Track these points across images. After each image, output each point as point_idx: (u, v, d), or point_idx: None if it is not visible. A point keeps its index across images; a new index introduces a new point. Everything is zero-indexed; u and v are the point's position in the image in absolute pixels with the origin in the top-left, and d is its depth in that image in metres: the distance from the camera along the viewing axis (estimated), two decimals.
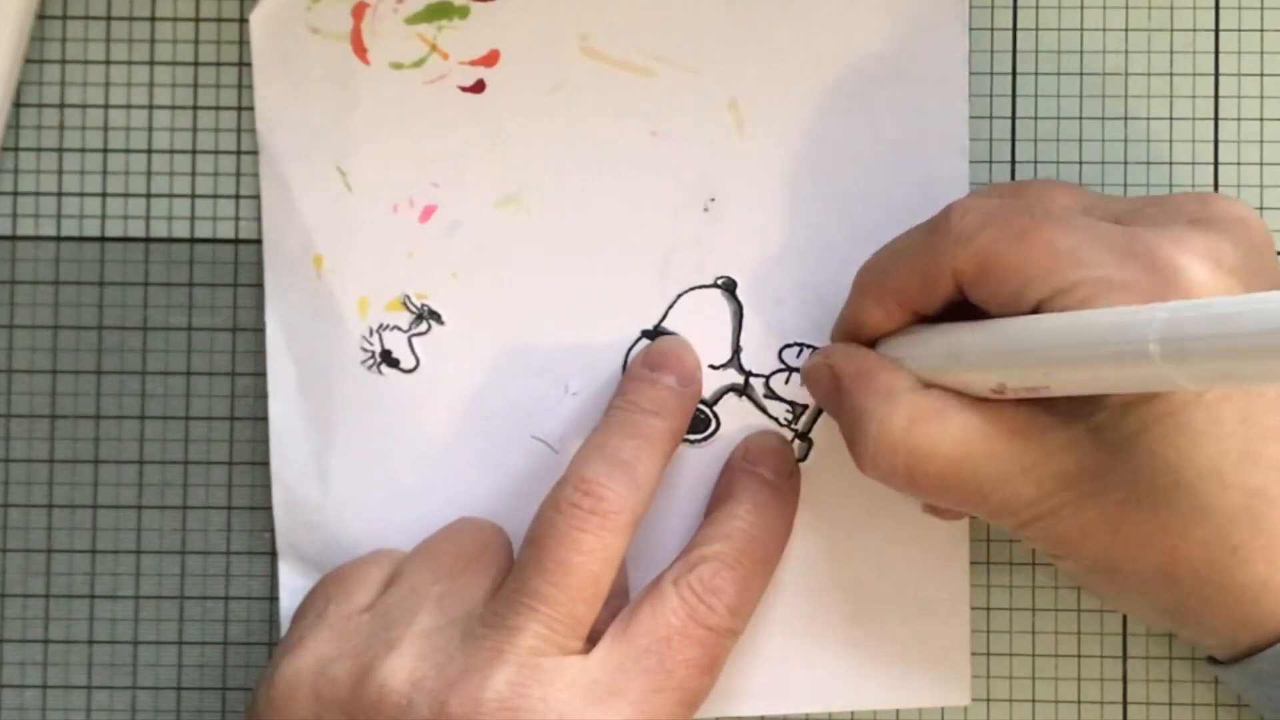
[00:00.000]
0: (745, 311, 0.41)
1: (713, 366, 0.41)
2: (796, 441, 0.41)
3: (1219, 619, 0.34)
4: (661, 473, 0.38)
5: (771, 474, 0.39)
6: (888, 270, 0.37)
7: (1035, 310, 0.34)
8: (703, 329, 0.41)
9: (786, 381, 0.41)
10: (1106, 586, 0.36)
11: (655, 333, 0.41)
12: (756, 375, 0.41)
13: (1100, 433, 0.33)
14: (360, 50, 0.41)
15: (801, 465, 0.40)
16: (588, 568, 0.36)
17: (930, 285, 0.36)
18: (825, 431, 0.41)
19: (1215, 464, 0.33)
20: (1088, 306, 0.32)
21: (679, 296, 0.41)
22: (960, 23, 0.41)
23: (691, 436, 0.40)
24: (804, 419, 0.41)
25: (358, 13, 0.41)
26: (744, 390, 0.41)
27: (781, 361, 0.41)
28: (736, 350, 0.41)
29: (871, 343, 0.38)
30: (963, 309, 0.36)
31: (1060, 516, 0.34)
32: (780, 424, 0.41)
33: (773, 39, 0.41)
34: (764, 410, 0.41)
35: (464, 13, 0.41)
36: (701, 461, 0.40)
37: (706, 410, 0.41)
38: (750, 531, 0.38)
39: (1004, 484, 0.34)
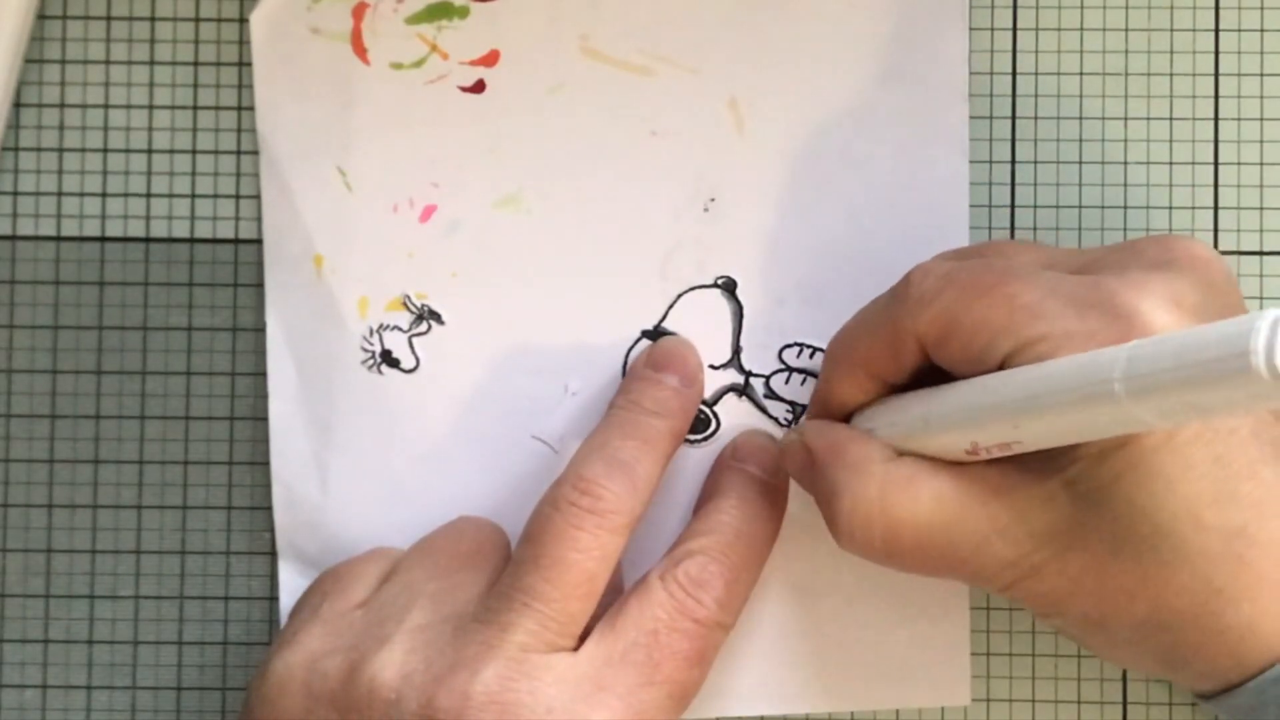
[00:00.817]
0: (745, 311, 0.41)
1: (713, 366, 0.41)
2: None
3: (1210, 663, 0.34)
4: (661, 474, 0.38)
5: (759, 470, 0.39)
6: (855, 342, 0.37)
7: (1001, 367, 0.33)
8: (703, 329, 0.41)
9: (787, 381, 0.41)
10: (1096, 640, 0.36)
11: (655, 333, 0.41)
12: (757, 375, 0.41)
13: (1075, 486, 0.33)
14: (360, 50, 0.41)
15: None
16: (583, 565, 0.36)
17: (896, 353, 0.36)
18: None
19: (1191, 507, 0.33)
20: (1052, 359, 0.32)
21: (679, 296, 0.41)
22: (960, 23, 0.41)
23: (692, 437, 0.41)
24: (804, 418, 0.41)
25: (358, 13, 0.41)
26: (744, 390, 0.41)
27: (781, 361, 0.41)
28: (736, 350, 0.41)
29: (847, 416, 0.38)
30: (934, 376, 0.36)
31: (1043, 575, 0.34)
32: (780, 424, 0.41)
33: (773, 39, 0.41)
34: (764, 410, 0.41)
35: (464, 13, 0.41)
36: (702, 462, 0.40)
37: (707, 410, 0.41)
38: (737, 525, 0.38)
39: (981, 547, 0.34)
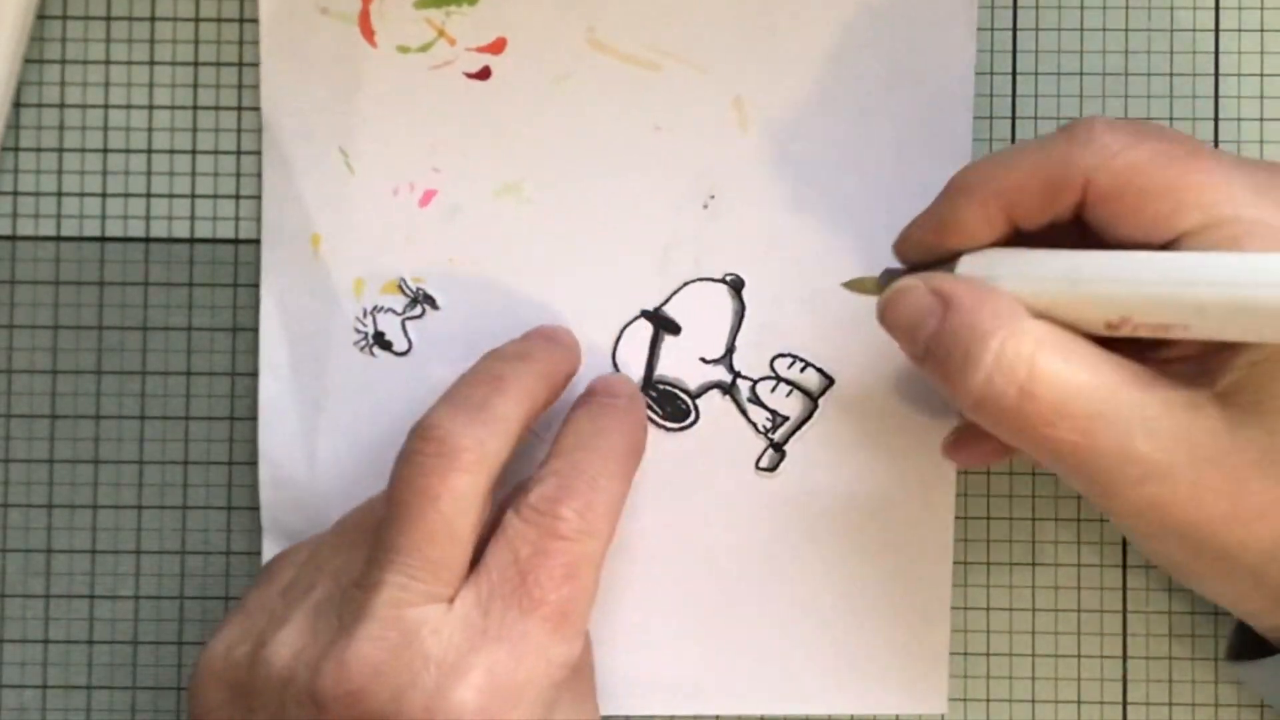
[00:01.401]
0: (746, 313, 0.41)
1: (704, 360, 0.41)
2: (770, 451, 0.41)
3: None
4: (527, 413, 0.37)
5: (604, 396, 0.39)
6: (1001, 171, 0.35)
7: (1172, 242, 0.32)
8: (702, 320, 0.41)
9: (773, 390, 0.41)
10: (1204, 567, 0.34)
11: (656, 315, 0.41)
12: (744, 378, 0.41)
13: (1228, 397, 0.32)
14: (368, 32, 0.41)
15: (771, 474, 0.41)
16: (437, 510, 0.35)
17: (1052, 193, 0.34)
18: (799, 443, 0.41)
19: None
20: (1234, 247, 0.32)
21: (686, 284, 0.41)
22: (968, 26, 0.41)
23: (670, 424, 0.41)
24: (782, 429, 0.41)
25: None
26: (729, 390, 0.41)
27: (772, 370, 0.41)
28: (730, 349, 0.41)
29: (948, 258, 0.35)
30: (1060, 237, 0.34)
31: (1173, 482, 0.32)
32: (758, 430, 0.41)
33: (780, 39, 0.41)
34: (744, 413, 0.41)
35: None
36: (678, 449, 0.41)
37: (689, 400, 0.41)
38: (583, 440, 0.38)
39: (1122, 434, 0.32)
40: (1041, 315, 0.33)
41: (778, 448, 0.41)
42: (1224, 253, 0.32)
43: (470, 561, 0.36)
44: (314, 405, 0.41)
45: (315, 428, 0.41)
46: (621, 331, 0.41)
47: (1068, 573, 0.41)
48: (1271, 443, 0.32)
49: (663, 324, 0.41)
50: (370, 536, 0.37)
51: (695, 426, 0.41)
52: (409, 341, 0.41)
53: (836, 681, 0.40)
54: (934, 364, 0.34)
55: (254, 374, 0.41)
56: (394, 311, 0.41)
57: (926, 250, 0.36)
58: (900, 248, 0.37)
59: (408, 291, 0.41)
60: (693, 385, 0.41)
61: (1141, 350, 0.34)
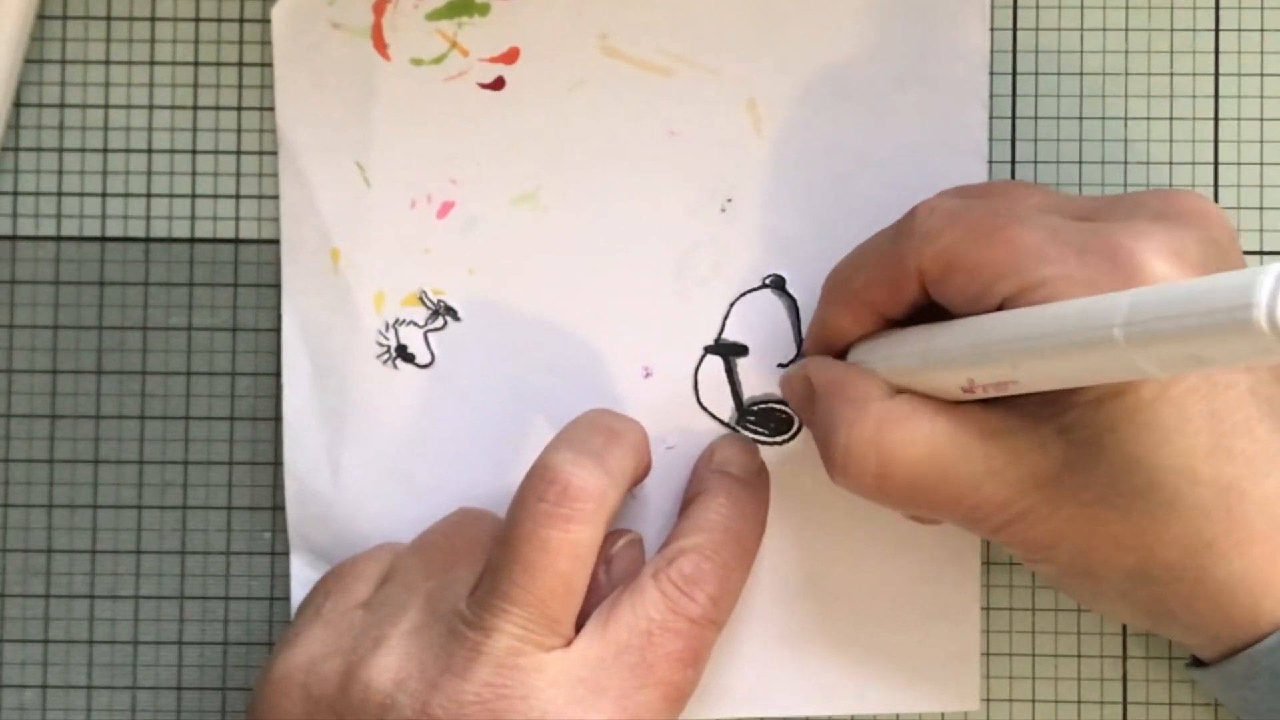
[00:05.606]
0: (800, 306, 0.41)
1: (782, 365, 0.41)
2: None
3: (1198, 617, 0.34)
4: (634, 473, 0.38)
5: (740, 471, 0.40)
6: (854, 275, 0.37)
7: (1000, 309, 0.34)
8: (764, 331, 0.41)
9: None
10: (1084, 589, 0.36)
11: (719, 345, 0.41)
12: None
13: (1069, 432, 0.33)
14: (381, 46, 0.41)
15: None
16: (556, 567, 0.35)
17: (896, 287, 0.36)
18: None
19: (1185, 460, 0.33)
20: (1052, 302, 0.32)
21: (732, 305, 0.41)
22: (981, 26, 0.41)
23: (778, 439, 0.41)
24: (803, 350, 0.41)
25: (379, 8, 0.41)
26: None
27: None
28: (801, 343, 0.41)
29: (843, 350, 0.38)
30: (930, 313, 0.36)
31: (1032, 519, 0.34)
32: None
33: (792, 40, 0.41)
34: None
35: (484, 10, 0.41)
36: (784, 464, 0.40)
37: (787, 409, 0.41)
38: (725, 524, 0.38)
39: (974, 488, 0.34)
40: (909, 389, 0.35)
41: None
42: (1029, 308, 0.32)
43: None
44: (337, 419, 0.41)
45: (339, 442, 0.41)
46: (696, 376, 0.41)
47: None
48: (1109, 479, 0.33)
49: (729, 351, 0.41)
50: (463, 560, 0.37)
51: (803, 429, 0.41)
52: (432, 354, 0.41)
53: (868, 679, 0.40)
54: (815, 441, 0.37)
55: (254, 374, 0.41)
56: (415, 324, 0.41)
57: (823, 352, 0.39)
58: (806, 352, 0.40)
59: (429, 304, 0.41)
60: (780, 394, 0.41)
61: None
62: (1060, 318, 0.31)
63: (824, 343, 0.39)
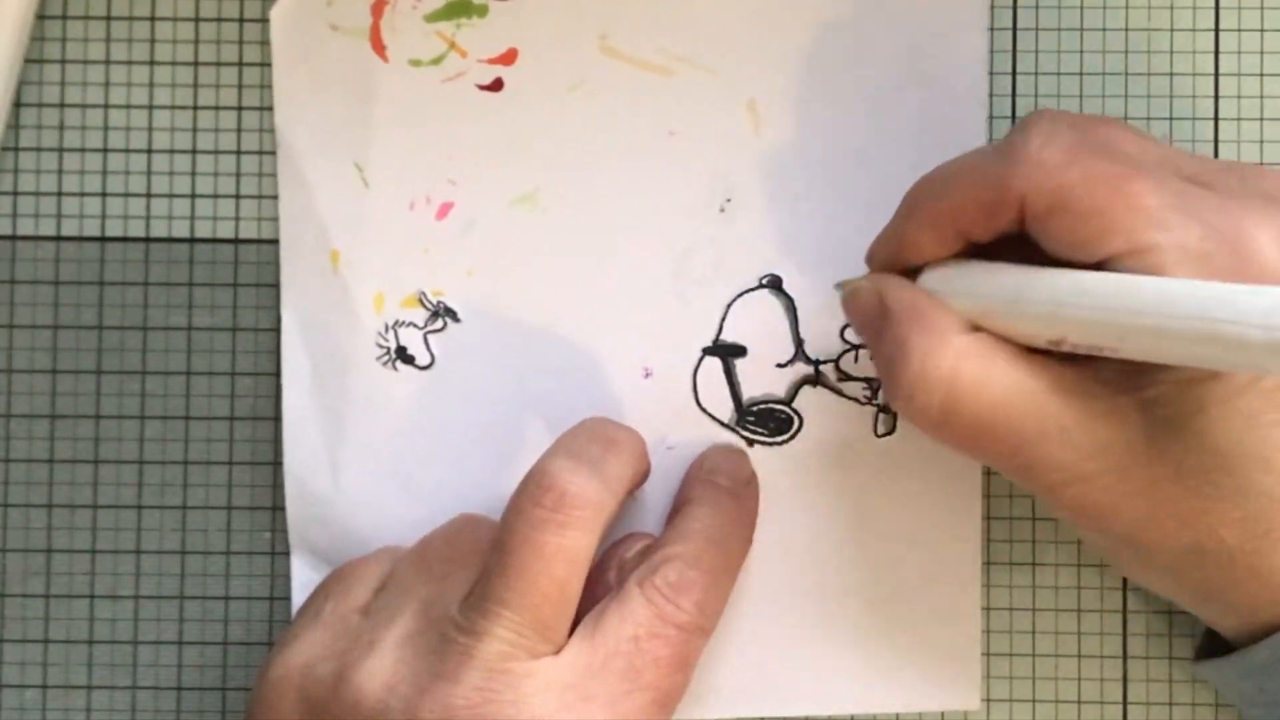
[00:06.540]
0: (797, 304, 0.41)
1: (780, 365, 0.41)
2: (881, 415, 0.40)
3: (1243, 599, 0.34)
4: (631, 481, 0.38)
5: (728, 481, 0.39)
6: (946, 190, 0.36)
7: (1101, 263, 0.33)
8: (761, 330, 0.41)
9: (855, 360, 0.41)
10: (1133, 561, 0.36)
11: (717, 346, 0.41)
12: (825, 361, 0.41)
13: (1153, 407, 0.33)
14: (379, 47, 0.41)
15: (893, 435, 0.40)
16: (550, 573, 0.35)
17: (991, 211, 0.34)
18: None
19: (1264, 450, 0.33)
20: (1160, 272, 0.32)
21: (729, 305, 0.41)
22: (980, 26, 0.41)
23: (778, 439, 0.40)
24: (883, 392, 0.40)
25: (377, 10, 0.41)
26: (817, 380, 0.41)
27: (845, 341, 0.41)
28: (799, 343, 0.41)
29: (911, 269, 0.37)
30: (1016, 244, 0.35)
31: (1093, 485, 0.34)
32: (861, 402, 0.40)
33: (792, 40, 0.41)
34: (842, 394, 0.41)
35: (483, 11, 0.41)
36: (784, 466, 0.40)
37: (787, 408, 0.41)
38: (711, 532, 0.38)
39: (1036, 443, 0.34)
40: (989, 329, 0.34)
41: (885, 409, 0.40)
42: (1145, 279, 0.32)
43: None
44: (337, 421, 0.41)
45: (339, 442, 0.41)
46: (694, 377, 0.41)
47: (1068, 573, 0.41)
48: (1185, 457, 0.33)
49: (727, 352, 0.41)
50: (461, 566, 0.37)
51: (802, 433, 0.41)
52: (431, 355, 0.41)
53: (870, 678, 0.40)
54: (877, 366, 0.36)
55: (254, 374, 0.42)
56: (415, 325, 0.41)
57: (891, 266, 0.37)
58: (870, 263, 0.38)
59: (428, 305, 0.41)
60: (782, 393, 0.41)
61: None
62: (1187, 299, 0.30)
63: (896, 259, 0.37)
